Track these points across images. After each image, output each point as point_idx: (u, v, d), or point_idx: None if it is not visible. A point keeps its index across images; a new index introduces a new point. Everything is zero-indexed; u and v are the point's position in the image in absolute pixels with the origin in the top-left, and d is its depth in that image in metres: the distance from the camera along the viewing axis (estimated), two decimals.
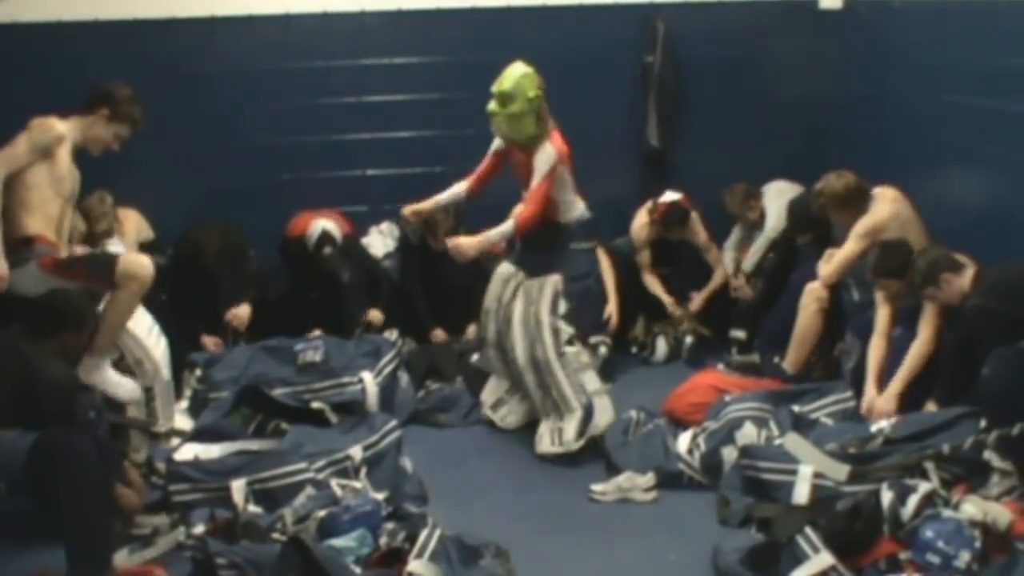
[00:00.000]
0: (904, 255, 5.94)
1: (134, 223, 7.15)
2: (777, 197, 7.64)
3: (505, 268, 6.25)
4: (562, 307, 6.00)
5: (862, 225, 6.47)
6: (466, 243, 5.96)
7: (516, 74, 5.87)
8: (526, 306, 5.99)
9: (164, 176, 7.36)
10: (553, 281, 6.02)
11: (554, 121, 6.02)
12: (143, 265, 5.53)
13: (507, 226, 5.94)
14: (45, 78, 7.30)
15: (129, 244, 6.95)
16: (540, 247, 6.12)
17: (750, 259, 7.69)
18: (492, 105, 5.91)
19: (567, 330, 6.01)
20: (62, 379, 4.67)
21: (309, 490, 5.08)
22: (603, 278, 7.33)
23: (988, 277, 5.50)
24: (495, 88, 5.90)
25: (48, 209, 5.54)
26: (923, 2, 6.98)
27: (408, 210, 6.42)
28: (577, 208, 6.15)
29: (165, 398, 5.85)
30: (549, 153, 5.87)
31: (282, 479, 5.16)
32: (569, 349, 6.00)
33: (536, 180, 5.88)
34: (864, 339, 6.14)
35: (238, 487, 5.09)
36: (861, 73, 7.73)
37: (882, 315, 6.08)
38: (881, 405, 5.78)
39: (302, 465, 5.19)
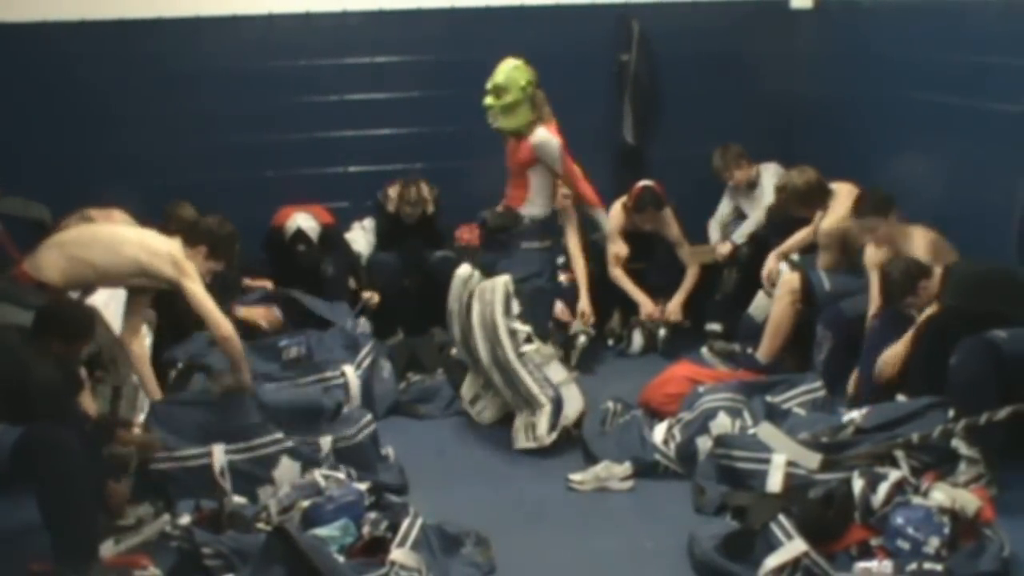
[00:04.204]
0: (882, 197, 6.07)
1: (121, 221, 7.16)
2: (773, 177, 7.66)
3: (464, 269, 6.28)
4: (515, 308, 6.02)
5: (824, 235, 6.60)
6: (619, 249, 6.77)
7: (508, 67, 6.05)
8: (482, 308, 6.02)
9: (149, 174, 7.37)
10: (503, 283, 6.03)
11: (553, 116, 6.14)
12: None
13: (598, 215, 6.53)
14: (31, 78, 7.36)
15: None
16: (494, 245, 6.23)
17: (743, 230, 7.75)
18: (488, 99, 6.06)
19: (523, 329, 6.03)
20: (52, 382, 4.62)
21: (285, 460, 5.20)
22: (577, 274, 7.38)
23: (955, 274, 5.60)
24: (489, 84, 6.04)
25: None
26: (891, 1, 7.07)
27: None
28: (538, 205, 6.23)
29: (130, 400, 5.78)
30: (548, 139, 6.07)
31: (258, 450, 5.28)
32: (528, 347, 6.03)
33: (559, 168, 6.17)
34: (835, 330, 6.21)
35: (219, 450, 5.22)
36: (832, 71, 7.84)
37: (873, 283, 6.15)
38: None
39: (278, 435, 5.32)
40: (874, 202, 6.11)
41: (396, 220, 7.76)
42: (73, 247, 5.38)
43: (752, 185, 7.74)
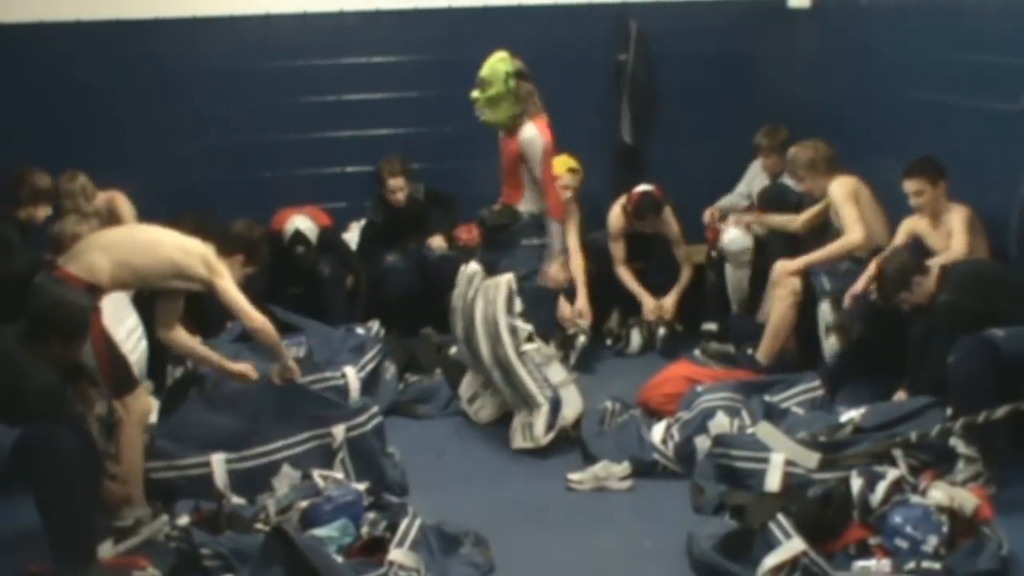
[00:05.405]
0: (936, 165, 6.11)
1: (126, 205, 7.11)
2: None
3: (470, 267, 6.28)
4: (517, 306, 6.01)
5: (841, 186, 6.64)
6: (556, 273, 6.10)
7: (493, 59, 5.98)
8: (485, 306, 6.02)
9: (147, 174, 7.33)
10: (506, 281, 6.02)
11: (543, 109, 6.08)
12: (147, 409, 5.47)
13: (553, 228, 6.03)
14: (28, 79, 7.34)
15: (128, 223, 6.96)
16: (494, 244, 6.19)
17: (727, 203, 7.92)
18: (474, 92, 6.00)
19: (525, 328, 6.02)
20: (48, 387, 4.62)
21: (286, 469, 5.19)
22: (575, 273, 7.34)
23: (953, 274, 5.60)
24: (477, 77, 6.01)
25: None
26: (889, 1, 7.08)
27: None
28: (535, 201, 6.14)
29: None
30: (534, 138, 5.94)
31: (260, 458, 5.27)
32: (529, 346, 6.02)
33: (538, 171, 5.97)
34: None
35: (218, 460, 5.21)
36: (829, 70, 7.84)
37: None
38: None
39: (278, 444, 5.31)
40: (926, 167, 6.10)
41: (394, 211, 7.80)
42: (117, 251, 5.34)
43: (775, 178, 7.74)
